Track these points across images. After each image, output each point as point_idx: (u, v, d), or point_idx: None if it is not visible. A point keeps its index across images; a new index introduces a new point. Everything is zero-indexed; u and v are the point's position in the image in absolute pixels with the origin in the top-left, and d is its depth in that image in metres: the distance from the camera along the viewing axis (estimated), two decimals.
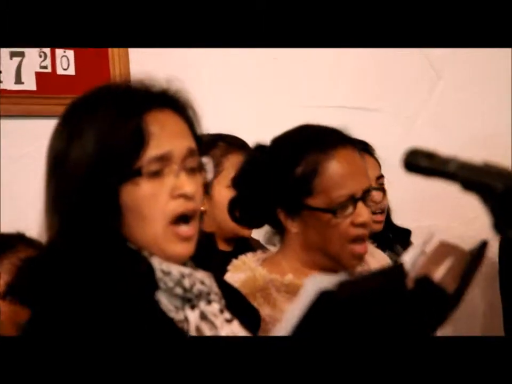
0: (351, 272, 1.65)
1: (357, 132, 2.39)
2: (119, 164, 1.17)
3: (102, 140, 1.19)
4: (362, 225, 1.61)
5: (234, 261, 1.68)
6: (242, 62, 2.56)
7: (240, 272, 1.64)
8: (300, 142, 1.65)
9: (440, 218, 2.75)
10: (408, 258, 0.97)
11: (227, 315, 1.24)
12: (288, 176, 1.61)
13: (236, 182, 1.69)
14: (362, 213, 1.60)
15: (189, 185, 1.20)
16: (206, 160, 1.25)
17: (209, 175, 1.25)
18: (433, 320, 0.98)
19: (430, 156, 0.93)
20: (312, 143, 1.64)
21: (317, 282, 0.93)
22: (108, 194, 1.17)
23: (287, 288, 1.60)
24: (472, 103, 2.83)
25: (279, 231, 1.68)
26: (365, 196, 1.61)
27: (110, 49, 2.30)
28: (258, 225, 1.77)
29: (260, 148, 1.68)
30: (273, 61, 2.60)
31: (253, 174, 1.65)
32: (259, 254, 1.72)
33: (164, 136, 1.20)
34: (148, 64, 2.27)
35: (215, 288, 1.25)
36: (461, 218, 2.77)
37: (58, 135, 1.24)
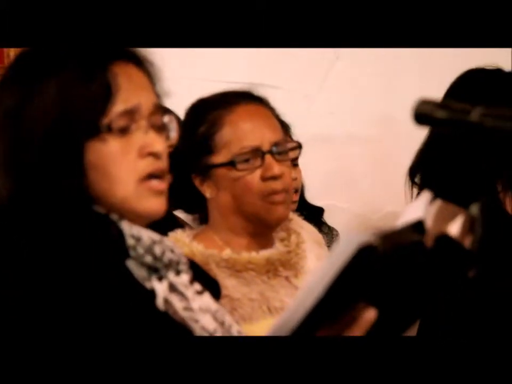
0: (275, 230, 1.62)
1: None
2: (84, 118, 1.06)
3: (64, 93, 1.07)
4: (274, 178, 1.55)
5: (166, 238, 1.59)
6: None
7: None
8: (204, 102, 1.63)
9: (351, 201, 2.75)
10: (419, 216, 0.92)
11: (197, 286, 1.14)
12: (191, 137, 1.57)
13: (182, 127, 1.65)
14: (272, 165, 1.55)
15: (158, 143, 1.10)
16: (169, 118, 1.14)
17: (173, 134, 1.15)
18: (455, 277, 0.95)
19: (445, 106, 0.87)
20: (215, 102, 1.62)
21: (353, 237, 0.86)
22: (71, 152, 1.06)
23: (227, 263, 1.55)
24: (368, 84, 2.83)
25: (201, 205, 1.62)
26: (273, 149, 1.56)
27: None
28: (182, 202, 1.69)
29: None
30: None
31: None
32: (188, 230, 1.65)
33: (131, 89, 1.10)
34: None
35: (183, 257, 1.14)
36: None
37: (7, 89, 1.11)
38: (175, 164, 1.51)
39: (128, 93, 1.09)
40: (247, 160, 1.56)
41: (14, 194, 1.06)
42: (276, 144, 1.57)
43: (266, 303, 1.53)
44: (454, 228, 0.91)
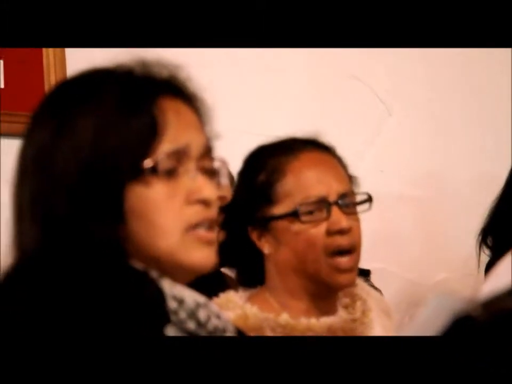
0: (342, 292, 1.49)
1: None
2: (125, 159, 0.96)
3: (101, 129, 0.97)
4: (340, 232, 1.44)
5: (216, 299, 1.47)
6: None
7: (227, 310, 1.43)
8: (264, 149, 1.53)
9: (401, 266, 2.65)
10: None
11: None
12: (249, 186, 1.49)
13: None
14: (339, 219, 1.44)
15: (209, 189, 0.99)
16: (220, 162, 1.04)
17: (224, 180, 1.04)
18: None
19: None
20: (276, 148, 1.51)
21: (442, 304, 0.75)
22: (108, 197, 0.95)
23: (283, 329, 1.44)
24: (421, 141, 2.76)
25: (259, 263, 1.50)
26: (341, 201, 1.45)
27: (44, 58, 2.04)
28: (235, 259, 1.57)
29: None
30: None
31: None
32: (241, 291, 1.53)
33: (180, 128, 1.00)
34: None
35: (230, 325, 1.01)
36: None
37: (39, 127, 1.01)
38: (229, 215, 1.41)
39: (177, 132, 0.99)
40: (311, 212, 1.45)
41: (39, 245, 0.95)
42: (343, 195, 1.47)
43: None
44: None
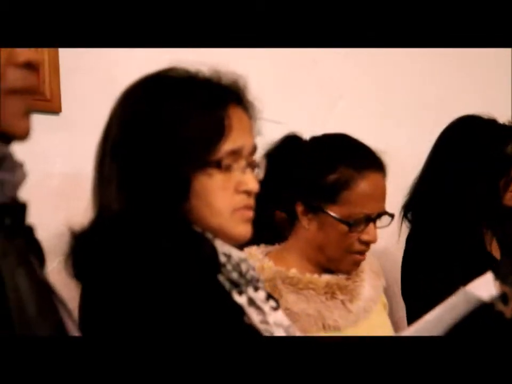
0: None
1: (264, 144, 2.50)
2: (197, 153, 1.21)
3: (183, 124, 1.21)
4: (368, 243, 1.77)
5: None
6: None
7: None
8: (340, 153, 1.81)
9: None
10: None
11: (272, 303, 1.29)
12: (320, 179, 1.75)
13: (269, 161, 1.80)
14: (371, 233, 1.77)
15: (253, 182, 1.27)
16: (261, 159, 1.31)
17: (261, 174, 1.30)
18: None
19: None
20: (350, 158, 1.79)
21: (472, 292, 0.94)
22: (181, 180, 1.20)
23: (291, 280, 1.75)
24: (372, 124, 2.93)
25: (290, 223, 1.81)
26: (377, 218, 1.76)
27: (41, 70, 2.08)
28: (273, 210, 1.89)
29: (298, 139, 1.75)
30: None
31: (286, 162, 1.73)
32: (262, 247, 1.84)
33: (240, 131, 1.25)
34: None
35: (261, 276, 1.29)
36: None
37: (127, 109, 1.24)
38: (286, 180, 1.68)
39: (237, 135, 1.24)
40: (358, 223, 1.75)
41: (124, 209, 1.19)
42: (381, 214, 1.78)
43: (321, 320, 1.74)
44: None
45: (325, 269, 1.83)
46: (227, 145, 1.24)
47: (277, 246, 1.87)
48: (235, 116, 1.26)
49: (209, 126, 1.22)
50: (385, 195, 1.82)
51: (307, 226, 1.77)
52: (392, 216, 1.84)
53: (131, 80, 1.36)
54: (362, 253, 1.81)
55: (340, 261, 1.79)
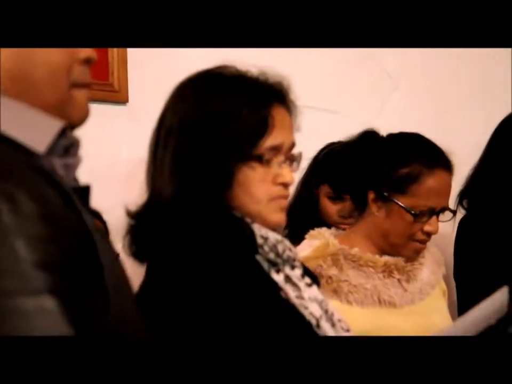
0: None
1: (320, 133, 2.58)
2: (243, 147, 1.30)
3: (232, 122, 1.30)
4: (429, 234, 1.88)
5: (311, 231, 1.99)
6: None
7: (316, 239, 1.94)
8: (413, 150, 1.91)
9: None
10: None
11: (307, 280, 1.40)
12: (393, 172, 1.88)
13: (347, 152, 1.94)
14: (433, 224, 1.89)
15: (290, 176, 1.37)
16: (298, 154, 1.40)
17: (296, 167, 1.39)
18: None
19: None
20: (422, 156, 1.89)
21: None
22: (226, 171, 1.30)
23: (352, 257, 1.89)
24: (426, 113, 2.99)
25: (360, 208, 1.95)
26: (440, 212, 1.88)
27: (109, 57, 2.20)
28: (344, 193, 2.09)
29: (374, 134, 1.96)
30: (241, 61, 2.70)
31: (363, 154, 1.85)
32: (333, 230, 2.01)
33: (281, 129, 1.34)
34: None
35: (297, 255, 1.39)
36: None
37: (184, 101, 1.33)
38: (362, 169, 1.78)
39: (278, 132, 1.33)
40: (423, 215, 1.86)
41: (175, 195, 1.29)
42: (444, 208, 1.90)
43: (377, 294, 1.86)
44: None
45: (386, 253, 1.92)
46: (269, 142, 1.33)
47: (345, 231, 2.01)
48: (278, 114, 1.35)
49: (255, 124, 1.31)
50: (449, 192, 1.92)
51: (376, 213, 1.89)
52: (454, 212, 1.96)
53: (191, 72, 1.44)
54: (423, 242, 1.91)
55: (402, 247, 1.89)
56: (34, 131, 0.93)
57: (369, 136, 1.96)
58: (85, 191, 0.98)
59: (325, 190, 2.42)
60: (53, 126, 0.96)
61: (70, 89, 1.00)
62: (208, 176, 1.29)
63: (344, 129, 2.84)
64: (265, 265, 1.34)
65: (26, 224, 0.80)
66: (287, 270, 1.37)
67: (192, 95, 1.34)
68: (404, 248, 1.91)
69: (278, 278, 1.34)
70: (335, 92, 2.89)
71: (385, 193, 1.88)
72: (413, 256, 1.94)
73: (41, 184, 0.85)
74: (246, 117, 1.31)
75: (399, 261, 1.93)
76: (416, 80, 3.01)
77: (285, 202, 1.37)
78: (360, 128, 2.88)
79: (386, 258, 1.92)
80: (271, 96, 1.35)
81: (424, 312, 1.93)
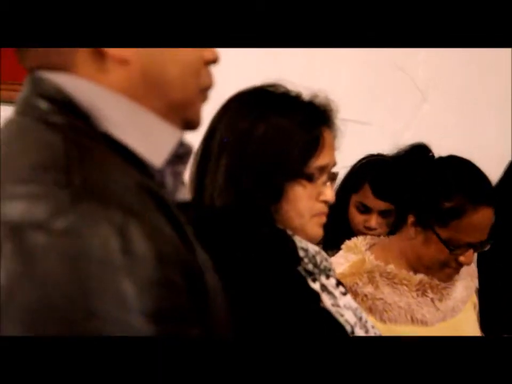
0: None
1: (349, 143, 2.61)
2: (295, 165, 1.37)
3: (286, 141, 1.36)
4: (462, 264, 1.89)
5: (347, 242, 1.99)
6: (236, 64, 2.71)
7: (352, 253, 1.94)
8: (460, 181, 1.88)
9: None
10: None
11: (342, 289, 1.46)
12: (437, 203, 1.86)
13: (393, 166, 1.96)
14: (469, 257, 1.89)
15: (331, 194, 1.44)
16: (336, 173, 1.43)
17: (334, 185, 1.47)
18: None
19: None
20: (468, 190, 1.86)
21: None
22: (278, 187, 1.37)
23: (388, 275, 1.90)
24: (455, 125, 3.02)
25: (400, 224, 1.95)
26: (477, 246, 1.88)
27: None
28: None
29: (425, 150, 1.94)
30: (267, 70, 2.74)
31: (410, 172, 1.92)
32: (368, 238, 2.00)
33: (328, 150, 1.41)
34: None
35: (332, 265, 1.44)
36: None
37: (239, 116, 1.39)
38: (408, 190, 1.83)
39: (326, 153, 1.40)
40: (459, 249, 1.86)
41: (228, 204, 1.36)
42: (483, 242, 1.89)
43: (410, 313, 1.87)
44: None
45: (420, 272, 1.94)
46: (318, 162, 1.39)
47: (381, 238, 2.02)
48: (326, 135, 1.42)
49: (307, 143, 1.38)
50: (488, 228, 1.89)
51: (413, 236, 1.90)
52: (491, 243, 1.94)
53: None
54: (457, 269, 1.92)
55: (435, 271, 1.91)
56: (153, 141, 0.89)
57: (420, 153, 1.95)
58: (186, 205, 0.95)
59: (354, 199, 2.45)
60: (172, 135, 0.92)
61: (198, 91, 0.95)
62: (260, 191, 1.35)
63: (374, 140, 2.94)
64: (303, 275, 1.39)
65: (139, 268, 0.75)
66: (323, 279, 1.42)
67: (247, 111, 1.40)
68: (437, 272, 1.92)
69: (315, 286, 1.40)
70: (365, 103, 2.93)
71: (426, 222, 1.88)
72: (446, 280, 1.95)
73: (153, 213, 0.80)
74: (299, 136, 1.37)
75: (434, 279, 1.95)
76: (445, 92, 3.05)
77: (324, 219, 1.43)
78: (389, 139, 2.98)
79: (420, 276, 1.93)
80: (321, 118, 1.42)
81: (455, 327, 1.95)
